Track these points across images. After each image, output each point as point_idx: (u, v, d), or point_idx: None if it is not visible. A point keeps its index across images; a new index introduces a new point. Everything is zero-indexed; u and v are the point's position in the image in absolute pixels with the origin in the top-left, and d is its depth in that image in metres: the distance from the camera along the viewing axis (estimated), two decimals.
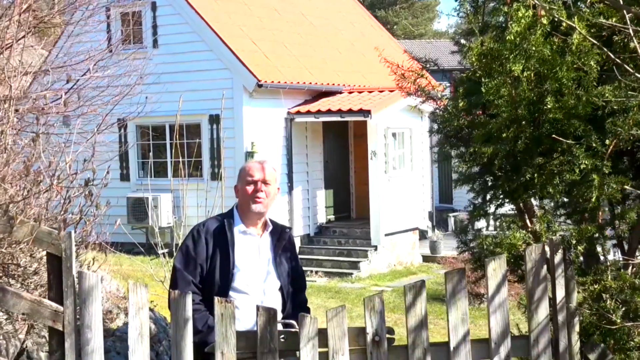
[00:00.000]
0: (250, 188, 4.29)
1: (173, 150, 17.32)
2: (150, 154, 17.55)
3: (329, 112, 18.11)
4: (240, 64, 17.12)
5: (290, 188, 18.07)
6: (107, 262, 9.84)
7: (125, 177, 18.37)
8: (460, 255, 16.20)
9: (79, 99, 7.93)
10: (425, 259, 19.93)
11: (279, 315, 4.14)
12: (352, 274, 17.49)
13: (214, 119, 17.26)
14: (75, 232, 4.19)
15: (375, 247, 18.16)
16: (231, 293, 4.16)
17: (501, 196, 4.78)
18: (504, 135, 4.36)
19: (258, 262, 4.28)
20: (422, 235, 20.73)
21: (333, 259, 18.12)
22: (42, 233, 3.64)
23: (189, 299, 3.74)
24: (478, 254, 4.79)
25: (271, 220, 4.43)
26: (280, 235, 4.37)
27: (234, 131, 16.86)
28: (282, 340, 3.82)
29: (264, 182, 4.30)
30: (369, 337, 3.88)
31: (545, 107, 4.27)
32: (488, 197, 4.72)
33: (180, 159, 10.69)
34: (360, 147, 19.92)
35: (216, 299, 3.75)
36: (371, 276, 17.60)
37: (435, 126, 4.92)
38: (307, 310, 4.29)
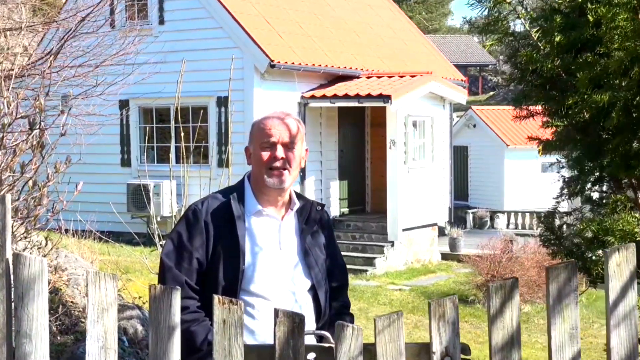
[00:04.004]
0: (266, 154, 3.01)
1: (178, 134, 16.13)
2: (154, 138, 16.36)
3: (346, 97, 16.85)
4: (252, 43, 15.90)
5: (302, 178, 16.84)
6: (93, 250, 8.67)
7: (126, 162, 17.18)
8: (485, 254, 15.05)
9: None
10: (444, 256, 18.70)
11: (310, 325, 2.93)
12: (366, 270, 16.29)
13: (222, 102, 16.03)
14: (18, 199, 2.98)
15: (392, 243, 16.93)
16: (244, 297, 2.91)
17: (597, 171, 3.56)
18: (617, 81, 3.15)
19: (280, 254, 3.04)
20: (441, 231, 19.48)
21: (346, 254, 16.84)
22: None
23: (177, 297, 2.54)
24: (569, 246, 3.58)
25: (298, 195, 3.16)
26: (310, 215, 3.11)
27: (244, 115, 15.57)
28: (310, 359, 2.63)
29: (287, 145, 3.03)
30: (435, 358, 2.67)
31: None
32: (587, 168, 3.49)
33: (183, 144, 9.53)
34: (377, 137, 18.72)
35: (216, 298, 2.53)
36: (387, 273, 16.39)
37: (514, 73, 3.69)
38: (350, 318, 3.07)
